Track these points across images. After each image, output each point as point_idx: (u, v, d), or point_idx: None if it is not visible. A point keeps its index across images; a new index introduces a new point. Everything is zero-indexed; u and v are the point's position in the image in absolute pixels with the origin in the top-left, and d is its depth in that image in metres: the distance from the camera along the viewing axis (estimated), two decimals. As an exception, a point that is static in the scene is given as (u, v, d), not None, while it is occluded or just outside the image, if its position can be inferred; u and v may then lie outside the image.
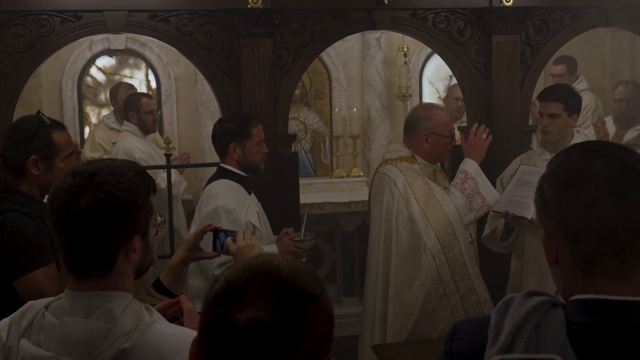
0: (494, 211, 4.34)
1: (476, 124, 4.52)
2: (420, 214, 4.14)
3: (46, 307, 1.86)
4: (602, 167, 1.44)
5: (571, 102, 4.37)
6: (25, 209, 2.90)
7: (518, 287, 4.42)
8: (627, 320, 1.39)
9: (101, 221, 1.79)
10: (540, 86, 5.43)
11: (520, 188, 4.20)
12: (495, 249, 4.60)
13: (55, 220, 1.84)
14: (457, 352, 1.52)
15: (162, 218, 2.05)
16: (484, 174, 4.33)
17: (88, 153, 6.54)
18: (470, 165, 4.31)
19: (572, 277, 1.47)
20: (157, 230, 1.99)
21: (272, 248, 3.93)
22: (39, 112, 3.15)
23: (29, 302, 1.92)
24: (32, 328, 1.84)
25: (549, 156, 4.43)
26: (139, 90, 6.83)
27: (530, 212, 4.03)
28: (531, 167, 4.26)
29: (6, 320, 1.90)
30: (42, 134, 3.00)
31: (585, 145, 1.52)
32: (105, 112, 7.21)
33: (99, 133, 6.65)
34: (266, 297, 1.28)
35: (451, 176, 4.63)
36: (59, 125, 3.12)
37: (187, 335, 1.85)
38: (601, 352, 1.38)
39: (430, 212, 4.15)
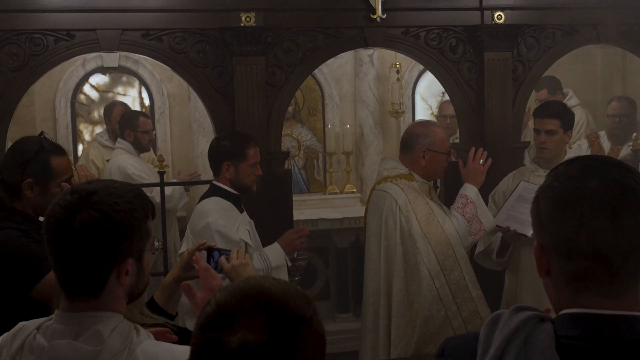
0: (497, 226, 4.35)
1: (474, 148, 4.52)
2: (420, 234, 4.13)
3: (37, 329, 1.86)
4: (598, 185, 1.43)
5: (567, 119, 4.43)
6: (22, 227, 2.91)
7: (513, 303, 4.42)
8: (616, 334, 1.39)
9: (94, 240, 1.80)
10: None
11: (521, 204, 4.20)
12: (488, 265, 4.60)
13: (50, 236, 1.85)
14: None
15: (159, 243, 2.05)
16: (482, 199, 4.35)
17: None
18: (470, 190, 4.33)
19: (562, 290, 1.47)
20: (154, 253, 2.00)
21: (275, 247, 3.93)
22: (42, 133, 3.17)
23: (20, 323, 1.92)
24: (24, 350, 1.84)
25: (542, 172, 4.46)
26: (132, 109, 6.84)
27: (530, 230, 4.03)
28: (532, 185, 4.26)
29: None
30: (40, 159, 3.02)
31: (585, 160, 1.51)
32: (98, 129, 7.20)
33: (92, 151, 6.65)
34: (257, 319, 1.28)
35: (445, 193, 4.64)
36: (59, 150, 3.13)
37: (174, 351, 1.85)
38: None
39: (431, 233, 4.14)
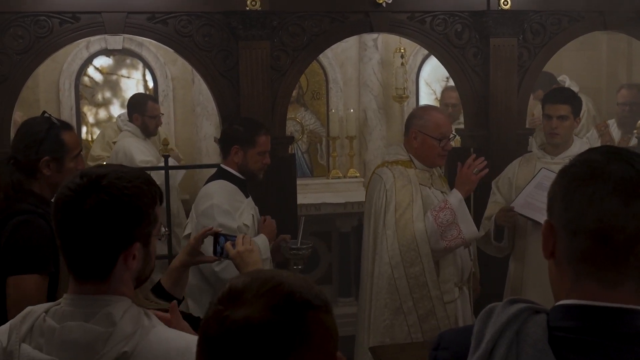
0: (519, 214, 4.34)
1: (473, 155, 4.30)
2: (392, 222, 4.13)
3: (46, 312, 1.87)
4: (617, 168, 1.40)
5: (577, 104, 4.45)
6: (39, 210, 2.93)
7: (518, 292, 4.44)
8: (610, 327, 1.37)
9: (103, 223, 1.80)
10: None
11: (540, 192, 4.16)
12: (489, 251, 4.61)
13: (59, 219, 1.85)
14: None
15: (166, 229, 2.06)
16: (466, 207, 4.18)
17: (98, 152, 6.55)
18: (453, 197, 4.15)
19: (563, 274, 1.45)
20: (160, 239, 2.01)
21: (260, 238, 3.95)
22: (44, 112, 3.18)
23: (29, 307, 1.92)
24: (33, 332, 1.85)
25: (549, 159, 4.46)
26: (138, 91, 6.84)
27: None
28: (552, 173, 4.24)
29: (6, 325, 1.91)
30: (52, 135, 3.03)
31: (611, 148, 1.49)
32: (102, 112, 7.21)
33: (108, 132, 6.65)
34: (265, 299, 1.30)
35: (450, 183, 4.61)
36: (67, 126, 3.16)
37: (186, 338, 1.86)
38: (582, 358, 1.36)
39: (401, 223, 4.13)
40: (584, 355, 1.36)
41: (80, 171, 1.89)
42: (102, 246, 1.82)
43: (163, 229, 2.03)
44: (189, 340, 1.85)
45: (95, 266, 1.84)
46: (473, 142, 5.13)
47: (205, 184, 4.21)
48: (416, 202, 4.17)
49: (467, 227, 4.09)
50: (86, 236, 1.81)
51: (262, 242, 3.94)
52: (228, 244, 2.94)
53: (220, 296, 1.35)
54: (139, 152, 5.89)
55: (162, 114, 6.62)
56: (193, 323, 2.19)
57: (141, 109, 6.07)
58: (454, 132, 4.36)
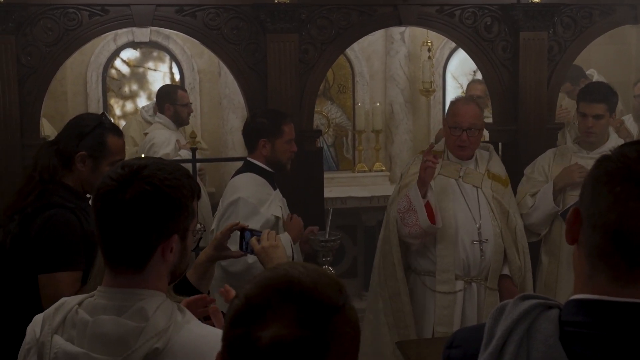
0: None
1: (430, 145, 4.30)
2: (392, 200, 4.33)
3: (79, 304, 1.87)
4: None
5: (613, 102, 4.43)
6: (70, 204, 2.94)
7: (552, 289, 4.39)
8: (621, 322, 1.36)
9: (144, 212, 1.81)
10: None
11: None
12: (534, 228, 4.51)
13: (99, 208, 1.86)
14: (453, 358, 1.52)
15: (202, 226, 2.06)
16: (420, 197, 4.08)
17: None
18: (412, 190, 4.12)
19: (581, 266, 1.44)
20: (199, 239, 2.01)
21: (284, 237, 3.93)
22: (103, 113, 3.25)
23: (63, 299, 1.93)
24: (65, 324, 1.85)
25: (585, 154, 4.44)
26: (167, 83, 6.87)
27: None
28: None
29: (40, 316, 1.92)
30: (97, 133, 3.05)
31: None
32: (129, 104, 7.24)
33: (133, 126, 6.68)
34: (288, 313, 1.25)
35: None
36: (117, 131, 3.17)
37: (219, 334, 1.85)
38: (593, 353, 1.35)
39: (394, 204, 4.26)
40: (594, 350, 1.35)
41: (122, 162, 1.91)
42: (141, 236, 1.82)
43: (198, 225, 2.03)
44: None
45: (133, 255, 1.84)
46: (502, 136, 5.09)
47: (232, 177, 4.21)
48: (412, 188, 4.17)
49: (422, 216, 4.08)
50: (126, 225, 1.82)
51: (285, 242, 3.91)
52: (253, 239, 2.93)
53: (238, 314, 1.29)
54: (162, 145, 5.90)
55: (192, 103, 6.65)
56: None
57: (172, 99, 6.12)
58: (475, 126, 4.21)
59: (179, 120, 6.16)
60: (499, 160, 4.51)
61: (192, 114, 7.20)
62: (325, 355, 1.25)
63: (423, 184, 4.08)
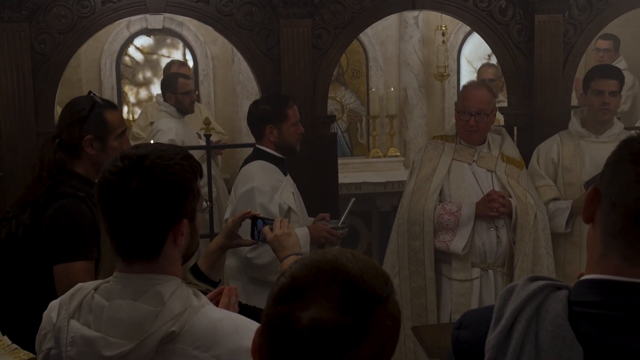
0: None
1: (503, 194, 4.18)
2: (409, 190, 4.28)
3: (95, 289, 1.88)
4: None
5: (623, 81, 4.45)
6: (81, 193, 2.94)
7: (575, 280, 4.37)
8: (631, 301, 1.37)
9: (150, 204, 1.80)
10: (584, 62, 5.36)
11: None
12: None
13: (104, 204, 1.85)
14: (462, 339, 1.52)
15: (207, 203, 2.06)
16: (471, 226, 4.11)
17: (137, 130, 6.59)
18: (468, 210, 4.11)
19: (595, 245, 1.45)
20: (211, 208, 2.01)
21: (303, 231, 3.91)
22: (90, 92, 3.20)
23: (79, 284, 1.94)
24: (82, 309, 1.86)
25: (594, 138, 4.41)
26: (187, 65, 6.85)
27: None
28: None
29: (56, 301, 1.94)
30: (95, 114, 3.04)
31: None
32: (143, 91, 7.25)
33: (150, 110, 6.68)
34: (331, 296, 1.24)
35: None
36: (111, 105, 3.17)
37: (235, 319, 1.86)
38: (601, 332, 1.36)
39: (416, 196, 4.21)
40: (603, 330, 1.37)
41: (120, 153, 1.88)
42: (151, 226, 1.82)
43: (205, 203, 2.03)
44: (238, 321, 1.85)
45: (145, 247, 1.84)
46: (517, 121, 5.05)
47: (242, 166, 4.19)
48: (435, 178, 4.20)
49: (458, 242, 4.10)
50: (134, 218, 1.81)
51: (303, 235, 3.90)
52: (266, 228, 2.92)
53: (283, 292, 1.29)
54: (176, 131, 5.87)
55: (197, 91, 6.58)
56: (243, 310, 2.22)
57: (172, 87, 6.03)
58: (484, 111, 4.20)
59: (182, 109, 6.06)
60: (512, 143, 4.51)
61: (206, 101, 7.22)
62: (361, 344, 1.24)
63: (482, 217, 4.12)
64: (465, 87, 4.40)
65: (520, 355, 1.39)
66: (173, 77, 6.25)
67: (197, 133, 6.13)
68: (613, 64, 6.43)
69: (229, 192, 4.48)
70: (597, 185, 1.47)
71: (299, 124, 4.13)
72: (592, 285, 1.42)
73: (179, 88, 6.06)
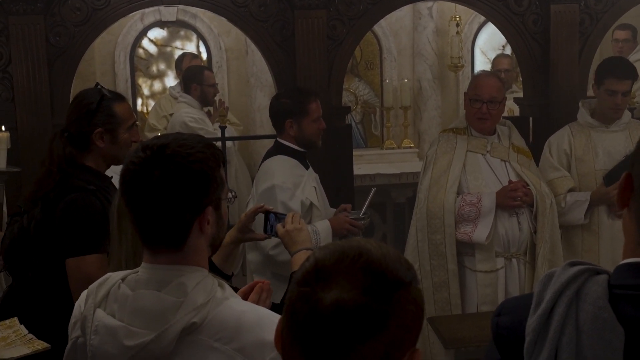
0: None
1: (523, 183, 4.18)
2: (426, 185, 4.24)
3: (123, 279, 1.89)
4: None
5: (636, 78, 4.47)
6: (91, 187, 2.94)
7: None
8: None
9: (174, 193, 1.80)
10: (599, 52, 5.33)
11: None
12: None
13: (128, 195, 1.85)
14: (502, 325, 1.53)
15: (233, 193, 2.05)
16: (492, 216, 4.11)
17: (154, 121, 6.63)
18: (489, 201, 4.11)
19: (631, 232, 1.46)
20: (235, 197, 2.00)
21: (324, 224, 3.90)
22: (97, 84, 3.17)
23: (107, 274, 1.95)
24: (108, 299, 1.88)
25: (605, 128, 4.43)
26: (200, 59, 6.90)
27: None
28: None
29: (86, 291, 1.95)
30: (104, 106, 3.03)
31: None
32: (157, 83, 7.26)
33: (163, 103, 6.72)
34: (354, 278, 1.25)
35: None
36: (119, 97, 3.15)
37: (259, 312, 1.86)
38: None
39: (434, 190, 4.20)
40: None
41: (141, 144, 1.88)
42: (176, 215, 1.82)
43: (230, 193, 2.02)
44: (262, 314, 1.84)
45: (170, 236, 1.84)
46: (532, 111, 5.04)
47: (263, 160, 4.16)
48: (453, 171, 4.18)
49: (481, 232, 4.09)
50: (158, 208, 1.81)
51: (324, 228, 3.90)
52: (279, 225, 2.93)
53: (307, 275, 1.30)
54: (195, 122, 5.94)
55: (217, 84, 6.68)
56: None
57: (199, 79, 6.15)
58: (496, 99, 4.20)
59: (205, 101, 6.22)
60: (519, 135, 4.50)
61: (220, 93, 7.24)
62: (383, 327, 1.24)
63: (503, 207, 4.12)
64: (475, 76, 4.44)
65: (561, 337, 1.39)
66: (199, 69, 6.34)
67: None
68: (632, 53, 6.41)
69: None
70: (631, 171, 1.47)
71: (320, 120, 4.06)
72: (631, 268, 1.42)
73: (206, 80, 6.18)
